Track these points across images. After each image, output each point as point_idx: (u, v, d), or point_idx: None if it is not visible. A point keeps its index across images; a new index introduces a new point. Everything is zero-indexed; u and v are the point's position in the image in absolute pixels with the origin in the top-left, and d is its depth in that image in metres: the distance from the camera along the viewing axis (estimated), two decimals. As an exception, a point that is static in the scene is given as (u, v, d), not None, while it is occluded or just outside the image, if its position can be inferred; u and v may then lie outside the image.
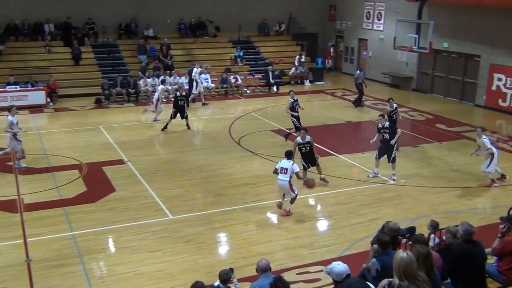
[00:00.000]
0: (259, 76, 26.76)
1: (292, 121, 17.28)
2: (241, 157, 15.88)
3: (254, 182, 13.82)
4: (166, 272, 9.38)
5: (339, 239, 10.69)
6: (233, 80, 25.17)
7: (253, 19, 30.16)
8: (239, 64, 27.71)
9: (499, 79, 22.02)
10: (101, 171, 14.48)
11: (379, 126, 14.35)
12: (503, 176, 14.03)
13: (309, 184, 13.23)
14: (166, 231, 10.96)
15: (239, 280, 7.63)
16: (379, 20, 28.59)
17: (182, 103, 18.61)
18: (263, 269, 6.83)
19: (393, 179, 14.03)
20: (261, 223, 11.48)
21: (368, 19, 29.43)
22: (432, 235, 8.52)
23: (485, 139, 13.62)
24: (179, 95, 18.71)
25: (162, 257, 9.91)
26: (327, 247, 10.38)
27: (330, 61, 31.87)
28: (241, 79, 25.58)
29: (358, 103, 22.95)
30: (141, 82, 23.61)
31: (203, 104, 22.60)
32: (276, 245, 10.41)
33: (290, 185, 11.65)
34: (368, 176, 14.33)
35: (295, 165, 11.77)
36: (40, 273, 9.31)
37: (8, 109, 15.04)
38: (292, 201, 11.84)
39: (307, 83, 28.04)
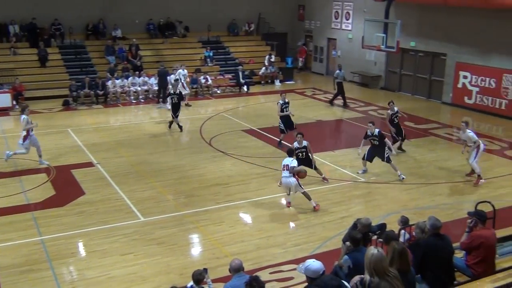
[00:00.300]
0: (229, 76, 26.75)
1: (278, 123, 17.02)
2: (213, 158, 15.84)
3: (226, 182, 13.80)
4: (138, 275, 9.29)
5: (311, 238, 10.76)
6: (203, 81, 25.10)
7: (223, 19, 30.12)
8: (209, 64, 27.64)
9: (465, 77, 22.48)
10: (70, 174, 14.26)
11: (367, 133, 14.21)
12: (472, 172, 14.32)
13: (301, 175, 13.06)
14: (137, 234, 10.86)
15: (212, 281, 7.61)
16: (347, 19, 28.88)
17: (175, 101, 18.55)
18: (236, 269, 6.83)
19: (402, 178, 13.95)
20: (234, 223, 11.48)
21: (336, 18, 29.69)
22: (402, 231, 8.64)
23: (470, 133, 13.74)
24: (172, 93, 18.70)
25: (134, 260, 9.82)
26: (299, 245, 10.44)
27: (302, 59, 32.03)
28: (211, 79, 25.53)
29: (343, 104, 23.09)
30: (109, 83, 23.33)
31: (186, 105, 22.39)
32: (249, 245, 10.43)
33: (298, 181, 11.99)
34: (357, 172, 14.48)
35: (294, 161, 12.07)
36: (9, 279, 9.12)
37: (22, 109, 15.19)
38: (308, 197, 12.11)
39: (277, 82, 28.14)
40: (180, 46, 28.60)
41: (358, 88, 26.96)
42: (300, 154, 13.37)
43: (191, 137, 18.23)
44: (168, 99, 19.09)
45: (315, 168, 13.71)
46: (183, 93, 20.50)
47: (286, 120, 16.93)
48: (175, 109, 18.58)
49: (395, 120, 16.08)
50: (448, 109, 23.02)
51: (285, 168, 11.99)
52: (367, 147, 14.50)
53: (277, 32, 31.13)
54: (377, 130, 14.19)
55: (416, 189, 13.52)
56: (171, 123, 18.74)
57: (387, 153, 14.12)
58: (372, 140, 14.21)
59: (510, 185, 13.79)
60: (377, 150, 14.22)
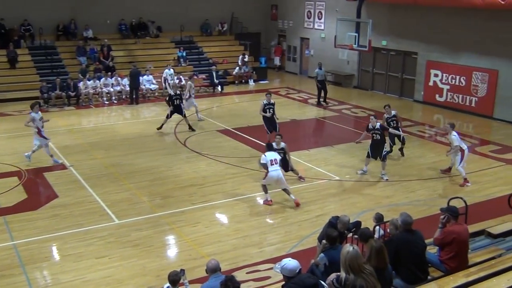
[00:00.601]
0: (203, 76, 26.66)
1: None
2: (188, 158, 15.78)
3: (202, 183, 13.76)
4: (114, 278, 9.20)
5: (287, 236, 10.80)
6: (176, 81, 24.92)
7: (195, 19, 30.00)
8: (182, 64, 27.51)
9: (436, 75, 22.85)
10: (43, 177, 14.05)
11: (369, 127, 14.08)
12: (448, 170, 14.51)
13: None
14: (113, 236, 10.75)
15: (190, 282, 7.59)
16: (319, 19, 29.07)
17: (177, 102, 18.55)
18: (213, 270, 6.82)
19: (386, 179, 13.94)
20: (210, 224, 11.45)
21: (309, 18, 29.86)
22: (377, 227, 8.75)
23: (454, 136, 13.59)
24: (174, 94, 18.70)
25: (110, 262, 9.72)
26: (276, 245, 10.47)
27: (278, 58, 32.13)
28: (184, 79, 25.38)
29: (323, 100, 23.21)
30: (80, 84, 23.02)
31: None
32: (225, 245, 10.42)
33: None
34: (357, 173, 14.43)
35: (278, 154, 12.48)
36: (-20, 285, 8.95)
37: (31, 106, 15.20)
38: (289, 192, 12.33)
39: (251, 82, 28.16)
40: (152, 46, 28.40)
41: (331, 87, 27.00)
42: (268, 110, 14.15)
43: (165, 138, 18.11)
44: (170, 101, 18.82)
45: (292, 170, 13.70)
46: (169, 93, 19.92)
47: (269, 121, 16.75)
48: (180, 110, 18.61)
49: (392, 124, 15.24)
50: (420, 107, 23.36)
51: (274, 162, 12.10)
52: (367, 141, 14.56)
53: (250, 32, 31.17)
54: (378, 123, 14.05)
55: (390, 186, 13.68)
56: (189, 125, 18.69)
57: (385, 151, 14.08)
58: (373, 134, 13.98)
59: (481, 181, 14.07)
60: (378, 145, 13.99)
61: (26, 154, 15.04)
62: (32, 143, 15.10)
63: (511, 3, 18.22)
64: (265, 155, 12.30)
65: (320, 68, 23.24)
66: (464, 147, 13.73)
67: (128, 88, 23.37)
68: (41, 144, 15.02)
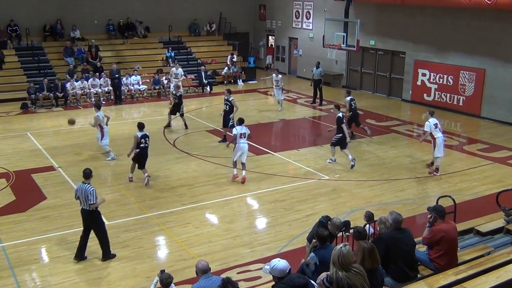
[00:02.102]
0: (192, 76, 26.61)
1: None
2: (177, 159, 15.74)
3: (191, 183, 13.73)
4: (104, 280, 9.16)
5: (278, 236, 10.81)
6: (165, 81, 24.87)
7: (183, 19, 29.93)
8: (171, 64, 27.38)
9: (423, 74, 22.99)
10: (31, 178, 13.93)
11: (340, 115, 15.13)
12: (432, 163, 14.74)
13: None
14: (102, 238, 10.69)
15: (180, 283, 7.58)
16: (308, 19, 29.13)
17: (176, 101, 18.96)
18: (203, 270, 6.80)
19: (331, 161, 15.29)
20: (200, 224, 11.43)
21: (297, 18, 29.91)
22: (368, 226, 8.78)
23: (428, 123, 14.24)
24: (174, 93, 19.19)
25: (99, 264, 9.67)
26: (266, 244, 10.47)
27: (270, 57, 32.14)
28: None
29: (318, 102, 23.25)
30: (68, 85, 22.87)
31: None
32: (216, 245, 10.40)
33: None
34: (326, 161, 15.33)
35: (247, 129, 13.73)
36: (-32, 289, 8.86)
37: (98, 106, 16.06)
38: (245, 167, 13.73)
39: (240, 82, 28.15)
40: (141, 46, 28.29)
41: (320, 86, 27.20)
42: (225, 106, 16.59)
43: (154, 138, 18.00)
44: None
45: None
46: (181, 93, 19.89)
47: (224, 117, 17.28)
48: (178, 108, 18.96)
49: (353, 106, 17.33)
50: (408, 106, 23.49)
51: (243, 136, 13.51)
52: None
53: (238, 32, 31.15)
54: (340, 113, 15.21)
55: (379, 185, 13.75)
56: (184, 122, 19.18)
57: (335, 139, 14.95)
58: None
59: (470, 179, 14.19)
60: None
61: (109, 158, 15.60)
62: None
63: (497, 3, 18.39)
64: (236, 129, 13.84)
65: (317, 67, 23.25)
66: (438, 135, 14.14)
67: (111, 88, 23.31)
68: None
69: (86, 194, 9.52)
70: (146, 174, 13.60)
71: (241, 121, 13.89)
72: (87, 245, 9.83)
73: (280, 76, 22.13)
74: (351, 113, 17.34)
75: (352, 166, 14.73)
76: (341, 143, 14.84)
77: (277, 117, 21.02)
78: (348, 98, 17.49)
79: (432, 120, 14.31)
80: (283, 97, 22.46)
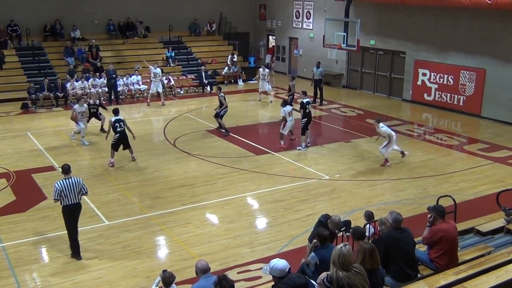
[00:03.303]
0: (192, 76, 26.61)
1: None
2: (177, 159, 15.73)
3: (192, 183, 13.73)
4: (104, 280, 9.15)
5: (278, 236, 10.81)
6: (165, 81, 24.87)
7: (184, 19, 29.93)
8: (171, 64, 27.44)
9: (424, 74, 22.98)
10: (31, 178, 13.93)
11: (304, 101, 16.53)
12: (402, 153, 15.44)
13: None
14: (102, 238, 10.70)
15: (180, 283, 7.58)
16: (308, 19, 29.12)
17: None
18: (203, 270, 6.80)
19: (302, 148, 16.49)
20: (200, 224, 11.43)
21: (297, 18, 29.91)
22: (368, 225, 8.79)
23: (383, 128, 14.95)
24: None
25: (99, 264, 9.67)
26: (266, 244, 10.47)
27: (270, 56, 32.15)
28: (174, 79, 25.35)
29: (319, 102, 23.23)
30: (68, 85, 22.87)
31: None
32: (216, 245, 10.40)
33: None
34: (297, 149, 16.44)
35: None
36: (-32, 288, 8.87)
37: (77, 99, 18.11)
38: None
39: (240, 82, 28.16)
40: (141, 46, 28.30)
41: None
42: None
43: (154, 138, 18.05)
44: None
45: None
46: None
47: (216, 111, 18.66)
48: None
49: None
50: (408, 106, 23.48)
51: (290, 114, 16.05)
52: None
53: (238, 31, 31.16)
54: (306, 99, 16.68)
55: (379, 185, 13.75)
56: None
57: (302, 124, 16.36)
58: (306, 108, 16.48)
59: (470, 179, 14.18)
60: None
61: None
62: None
63: (498, 3, 18.38)
64: (283, 110, 16.17)
65: (317, 67, 23.24)
66: (392, 133, 14.94)
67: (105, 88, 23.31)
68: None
69: (81, 186, 9.75)
70: (133, 154, 15.31)
71: (286, 102, 16.79)
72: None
73: (267, 70, 24.38)
74: (291, 96, 21.02)
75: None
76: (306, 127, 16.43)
77: (277, 117, 20.98)
78: (293, 82, 21.17)
79: (383, 124, 15.17)
80: (271, 89, 24.50)
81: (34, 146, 16.79)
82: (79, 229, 10.14)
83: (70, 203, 9.67)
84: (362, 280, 5.84)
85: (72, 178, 9.72)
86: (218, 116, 18.33)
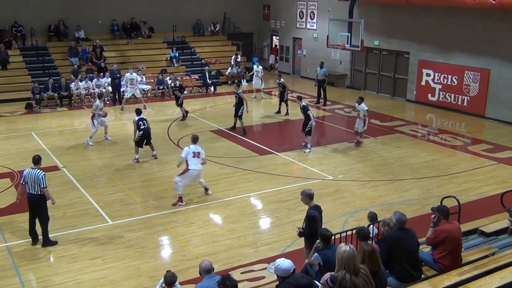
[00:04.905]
0: (196, 76, 26.62)
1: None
2: (181, 159, 15.72)
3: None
4: (108, 279, 9.17)
5: (281, 236, 10.80)
6: (169, 81, 24.85)
7: (188, 19, 29.96)
8: (175, 65, 27.46)
9: (428, 75, 22.94)
10: (35, 178, 13.93)
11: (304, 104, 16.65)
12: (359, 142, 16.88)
13: None
14: (106, 237, 10.72)
15: (183, 283, 7.59)
16: (312, 19, 29.10)
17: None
18: (207, 270, 6.81)
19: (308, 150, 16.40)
20: (204, 224, 11.43)
21: (301, 18, 29.89)
22: (371, 226, 8.77)
23: (363, 105, 16.56)
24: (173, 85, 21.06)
25: (103, 264, 9.69)
26: (270, 244, 10.47)
27: (274, 57, 32.13)
28: (177, 80, 25.31)
29: (322, 102, 23.21)
30: (72, 85, 22.91)
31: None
32: (220, 245, 10.41)
33: None
34: (306, 151, 16.32)
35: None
36: (-27, 288, 8.89)
37: (99, 96, 18.59)
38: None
39: (244, 82, 28.12)
40: (145, 46, 28.35)
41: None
42: (236, 99, 18.45)
43: (158, 138, 18.05)
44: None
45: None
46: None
47: (235, 109, 18.83)
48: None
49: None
50: (412, 107, 23.44)
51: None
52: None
53: (242, 32, 31.15)
54: (302, 103, 16.58)
55: (383, 185, 13.72)
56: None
57: (309, 126, 16.20)
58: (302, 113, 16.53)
59: (474, 179, 14.14)
60: (304, 123, 16.48)
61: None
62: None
63: (502, 3, 18.33)
64: (303, 105, 16.46)
65: (321, 67, 23.22)
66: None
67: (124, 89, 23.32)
68: (103, 124, 17.59)
69: (38, 179, 10.10)
70: (154, 152, 15.64)
71: (300, 98, 16.93)
72: (36, 226, 10.36)
73: (260, 67, 24.77)
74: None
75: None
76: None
77: (281, 117, 20.99)
78: (281, 80, 21.17)
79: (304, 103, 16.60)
80: (263, 86, 24.71)
81: (38, 146, 16.82)
82: (82, 229, 10.17)
83: (28, 191, 10.25)
84: (370, 281, 5.82)
85: (34, 169, 10.24)
86: (238, 116, 18.34)
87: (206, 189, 12.89)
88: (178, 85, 20.72)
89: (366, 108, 16.81)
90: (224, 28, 31.52)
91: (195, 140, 12.55)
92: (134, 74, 22.69)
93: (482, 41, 20.50)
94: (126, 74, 22.69)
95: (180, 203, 12.32)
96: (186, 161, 12.21)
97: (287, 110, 20.95)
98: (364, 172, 14.70)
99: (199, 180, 12.68)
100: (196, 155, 12.21)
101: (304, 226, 8.59)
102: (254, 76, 24.47)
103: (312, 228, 8.31)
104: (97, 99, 18.20)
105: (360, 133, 17.07)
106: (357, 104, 17.02)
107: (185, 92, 20.94)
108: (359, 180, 14.10)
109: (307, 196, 8.67)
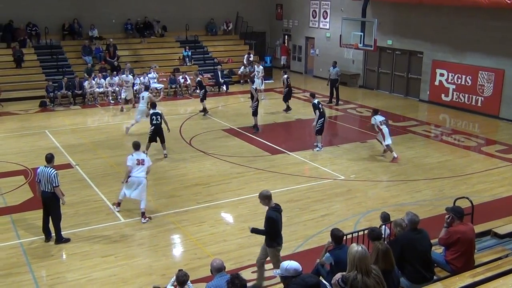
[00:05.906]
0: (208, 75, 26.67)
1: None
2: (193, 158, 15.78)
3: (207, 182, 13.76)
4: (119, 277, 9.22)
5: (293, 236, 10.77)
6: (182, 80, 24.95)
7: (200, 18, 30.03)
8: (188, 64, 27.53)
9: (441, 75, 22.77)
10: (48, 176, 14.05)
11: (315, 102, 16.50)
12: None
13: None
14: (118, 235, 10.77)
15: (194, 281, 7.60)
16: (325, 18, 29.02)
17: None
18: (218, 269, 6.82)
19: (318, 149, 16.42)
20: (215, 223, 11.45)
21: (314, 17, 29.82)
22: (384, 227, 8.73)
23: (373, 118, 15.75)
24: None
25: (115, 261, 9.74)
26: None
27: (285, 57, 32.13)
28: (190, 79, 25.38)
29: (335, 102, 23.16)
30: (85, 83, 23.06)
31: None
32: (231, 244, 10.41)
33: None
34: (315, 150, 16.38)
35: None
36: (-14, 284, 8.98)
37: (146, 86, 20.00)
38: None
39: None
40: (158, 45, 28.45)
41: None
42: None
43: (170, 137, 18.10)
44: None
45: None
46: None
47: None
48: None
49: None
50: (425, 107, 23.28)
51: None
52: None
53: (255, 31, 31.14)
54: (315, 100, 16.54)
55: (395, 186, 13.65)
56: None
57: (318, 125, 16.18)
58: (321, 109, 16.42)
59: (488, 181, 14.01)
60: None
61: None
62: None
63: (518, 2, 18.15)
64: (315, 102, 16.40)
65: (334, 66, 23.15)
66: (383, 128, 15.46)
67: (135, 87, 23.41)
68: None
69: (50, 177, 10.20)
70: (165, 151, 15.62)
71: (313, 96, 16.98)
72: (49, 224, 10.45)
73: (261, 67, 24.91)
74: (287, 89, 21.55)
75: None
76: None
77: (294, 116, 20.96)
78: (285, 76, 21.74)
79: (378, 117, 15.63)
80: (263, 86, 24.77)
81: (51, 144, 16.95)
82: (94, 226, 10.21)
83: (41, 189, 10.39)
84: (382, 282, 5.79)
85: (47, 168, 10.35)
86: (252, 113, 18.56)
87: (143, 214, 11.39)
88: (197, 82, 21.33)
89: (380, 119, 15.54)
90: (237, 27, 31.54)
91: (136, 146, 11.80)
92: (130, 76, 22.68)
93: (496, 41, 20.30)
94: (122, 76, 22.80)
95: (116, 207, 11.90)
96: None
97: (288, 106, 21.67)
98: (376, 172, 14.63)
99: (142, 193, 11.34)
100: (141, 162, 11.44)
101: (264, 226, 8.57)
102: (255, 76, 24.16)
103: (271, 228, 8.41)
104: (147, 89, 19.14)
105: (387, 145, 15.44)
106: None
107: (203, 90, 20.97)
108: (371, 180, 14.04)
109: (265, 198, 8.59)
